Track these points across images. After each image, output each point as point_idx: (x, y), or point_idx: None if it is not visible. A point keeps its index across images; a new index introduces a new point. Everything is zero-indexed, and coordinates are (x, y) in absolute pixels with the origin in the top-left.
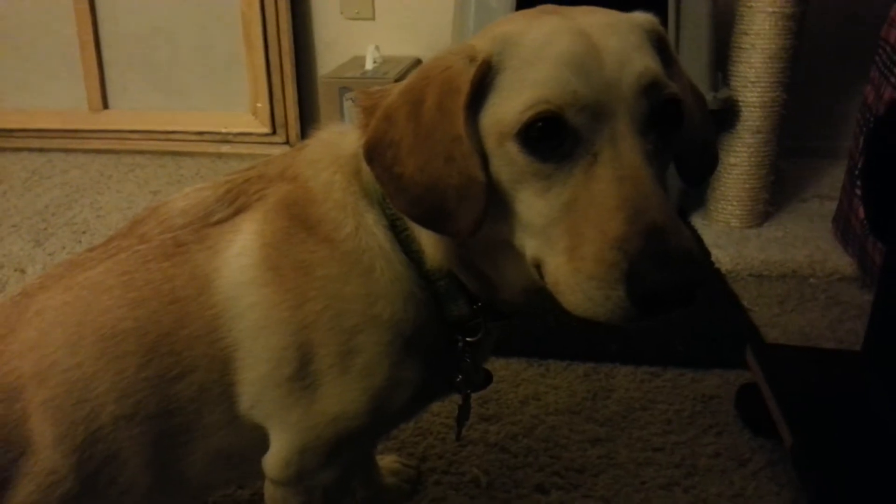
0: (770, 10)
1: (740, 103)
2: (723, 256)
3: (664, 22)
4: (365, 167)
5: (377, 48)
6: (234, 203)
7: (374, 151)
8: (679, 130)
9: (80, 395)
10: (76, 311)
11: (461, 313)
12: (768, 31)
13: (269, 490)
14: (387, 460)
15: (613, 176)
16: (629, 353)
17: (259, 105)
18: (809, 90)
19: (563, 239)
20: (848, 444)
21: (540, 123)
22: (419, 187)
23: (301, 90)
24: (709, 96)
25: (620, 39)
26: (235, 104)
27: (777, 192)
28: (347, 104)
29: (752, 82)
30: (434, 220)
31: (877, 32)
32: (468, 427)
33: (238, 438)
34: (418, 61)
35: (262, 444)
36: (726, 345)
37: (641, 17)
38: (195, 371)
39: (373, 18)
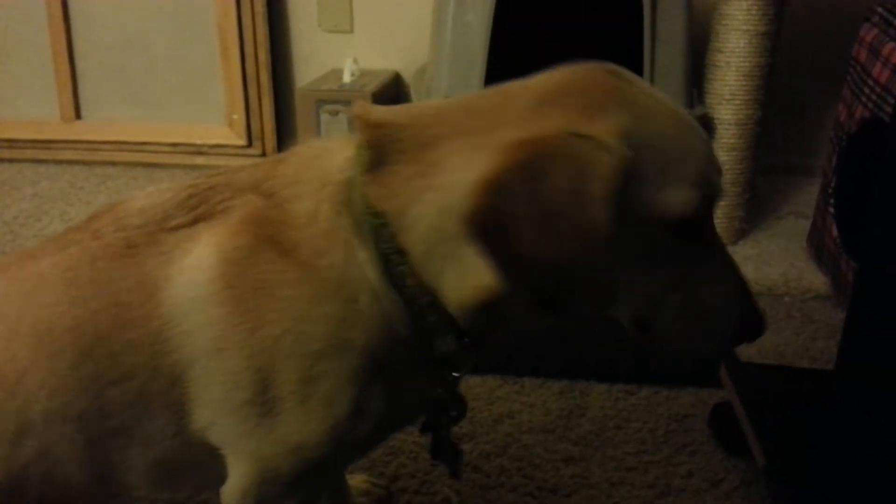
0: (745, 27)
1: (715, 120)
2: None
3: (639, 39)
4: (357, 197)
5: (355, 61)
6: (194, 210)
7: (486, 229)
8: None
9: (11, 387)
10: (16, 304)
11: (447, 349)
12: (743, 48)
13: None
14: (356, 480)
15: (719, 244)
16: (604, 370)
17: (235, 117)
18: (785, 108)
19: (682, 301)
20: (821, 465)
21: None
22: (541, 269)
23: (278, 102)
24: None
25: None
26: (211, 116)
27: (752, 209)
28: (324, 117)
29: (727, 100)
30: (550, 302)
31: (849, 51)
32: None
33: (185, 454)
34: (396, 75)
35: (213, 462)
36: (701, 362)
37: None
38: (134, 378)
39: (351, 31)
